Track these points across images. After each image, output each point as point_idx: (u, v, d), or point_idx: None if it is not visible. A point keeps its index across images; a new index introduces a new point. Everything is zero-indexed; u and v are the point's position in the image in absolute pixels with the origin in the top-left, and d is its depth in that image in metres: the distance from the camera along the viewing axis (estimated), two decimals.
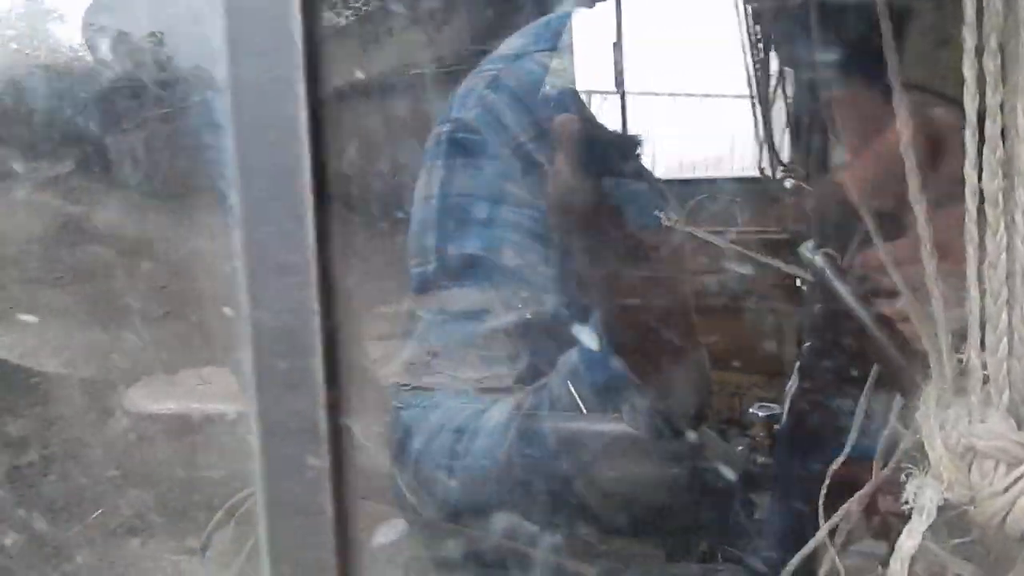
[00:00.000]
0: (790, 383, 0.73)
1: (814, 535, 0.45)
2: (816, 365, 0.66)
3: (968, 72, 0.30)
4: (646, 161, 0.71)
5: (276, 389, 0.29)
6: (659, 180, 0.71)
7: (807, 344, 0.70)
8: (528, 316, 0.61)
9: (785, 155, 0.94)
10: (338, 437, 0.29)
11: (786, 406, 0.73)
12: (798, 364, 0.72)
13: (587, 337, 0.59)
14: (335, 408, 0.29)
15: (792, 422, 0.73)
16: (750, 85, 0.93)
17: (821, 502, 0.48)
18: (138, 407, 1.06)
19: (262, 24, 0.28)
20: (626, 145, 0.65)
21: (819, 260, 0.59)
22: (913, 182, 0.36)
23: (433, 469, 0.60)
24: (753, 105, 0.93)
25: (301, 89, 0.28)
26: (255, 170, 0.29)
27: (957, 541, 0.37)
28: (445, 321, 0.64)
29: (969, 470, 0.35)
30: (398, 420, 0.61)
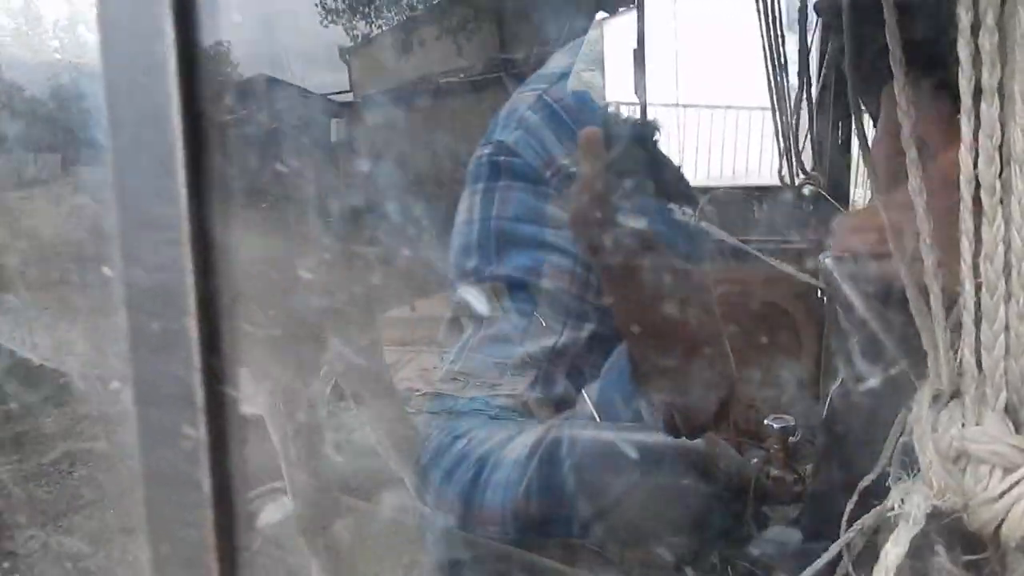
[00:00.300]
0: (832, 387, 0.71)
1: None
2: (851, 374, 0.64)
3: (963, 52, 0.28)
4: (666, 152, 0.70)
5: (149, 352, 0.28)
6: (679, 169, 0.70)
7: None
8: (565, 341, 0.61)
9: (807, 164, 0.92)
10: (217, 406, 0.28)
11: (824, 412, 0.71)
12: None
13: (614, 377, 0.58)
14: (213, 375, 0.28)
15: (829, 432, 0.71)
16: (771, 96, 0.92)
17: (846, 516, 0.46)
18: None
19: None
20: (644, 132, 0.64)
21: (829, 264, 0.57)
22: (913, 174, 0.35)
23: (452, 498, 0.60)
24: (774, 115, 0.92)
25: (170, 30, 0.27)
26: (124, 119, 0.28)
27: (969, 558, 0.36)
28: (483, 342, 0.64)
29: (962, 475, 0.34)
30: (425, 443, 0.61)
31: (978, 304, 0.31)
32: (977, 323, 0.32)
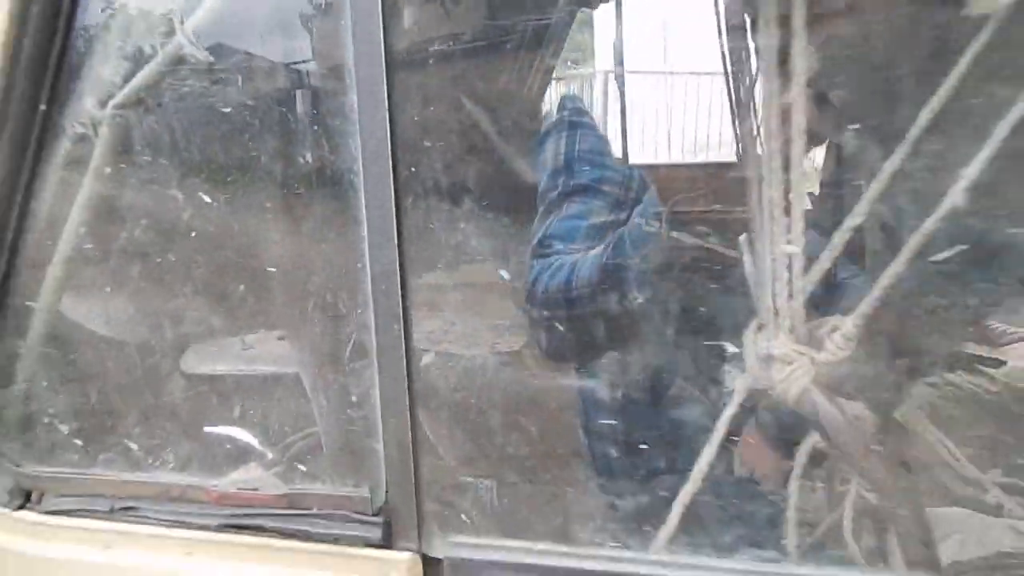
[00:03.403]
0: None
1: None
2: None
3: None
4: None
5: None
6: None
7: None
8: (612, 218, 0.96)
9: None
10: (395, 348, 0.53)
11: None
12: None
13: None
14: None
15: None
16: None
17: None
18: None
19: None
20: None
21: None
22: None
23: (557, 283, 0.90)
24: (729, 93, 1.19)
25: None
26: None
27: None
28: (565, 219, 1.00)
29: (769, 369, 0.63)
30: (530, 272, 0.94)
31: (773, 264, 0.60)
32: (775, 278, 0.61)
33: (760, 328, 0.64)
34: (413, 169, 0.56)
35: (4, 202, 0.54)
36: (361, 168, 0.49)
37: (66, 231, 0.58)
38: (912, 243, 0.57)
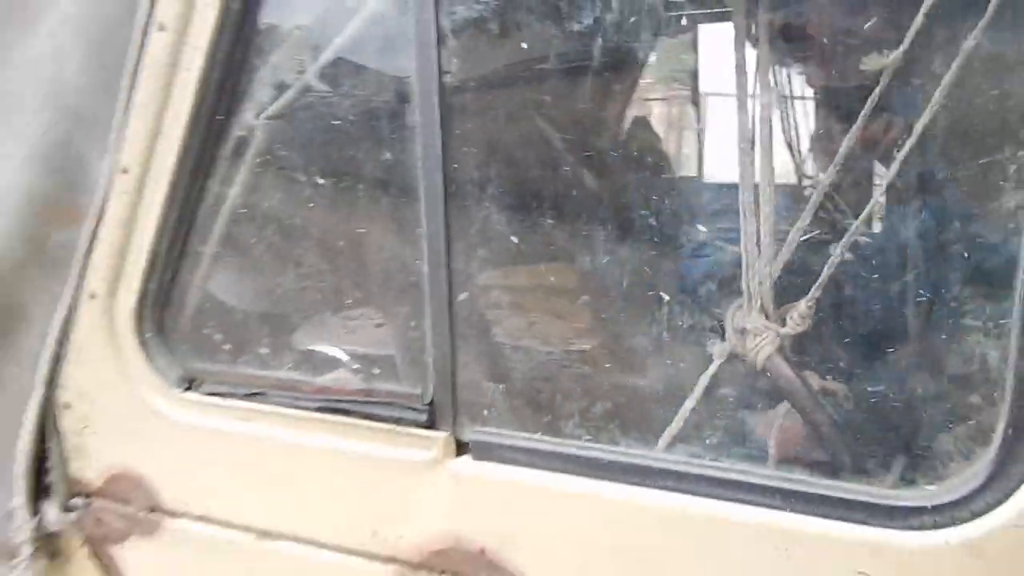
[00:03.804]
0: None
1: None
2: None
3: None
4: None
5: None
6: None
7: None
8: None
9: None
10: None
11: None
12: None
13: None
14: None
15: None
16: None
17: None
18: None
19: None
20: None
21: None
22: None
23: None
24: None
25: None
26: None
27: None
28: None
29: (744, 340, 0.80)
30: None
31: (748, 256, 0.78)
32: (750, 268, 0.78)
33: (739, 307, 0.82)
34: (478, 177, 0.77)
35: (196, 189, 0.79)
36: (421, 175, 0.70)
37: (222, 212, 0.83)
38: (844, 240, 0.73)
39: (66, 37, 0.78)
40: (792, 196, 0.92)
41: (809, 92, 1.14)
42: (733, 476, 0.68)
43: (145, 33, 0.73)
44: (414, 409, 0.72)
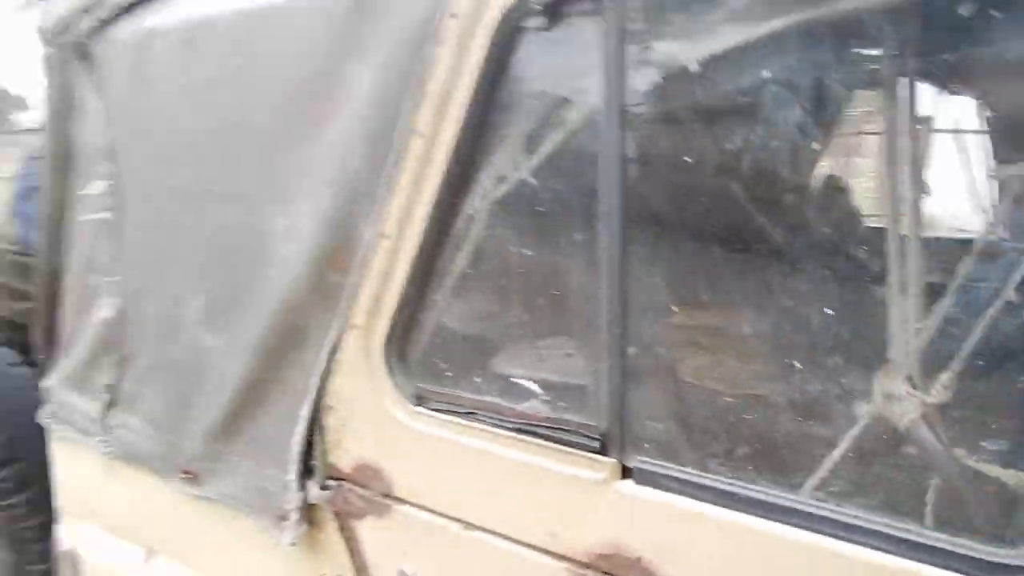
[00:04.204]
0: None
1: None
2: None
3: None
4: None
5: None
6: None
7: None
8: None
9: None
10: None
11: None
12: None
13: None
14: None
15: None
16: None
17: None
18: None
19: None
20: None
21: None
22: None
23: None
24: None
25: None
26: None
27: None
28: None
29: (891, 405, 0.89)
30: None
31: None
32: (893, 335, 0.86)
33: (887, 372, 0.90)
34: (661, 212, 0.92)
35: (434, 253, 1.03)
36: (601, 211, 0.86)
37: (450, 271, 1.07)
38: (991, 310, 0.79)
39: (354, 134, 1.06)
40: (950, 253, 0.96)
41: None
42: (867, 524, 0.77)
43: (406, 137, 0.99)
44: (589, 437, 0.89)
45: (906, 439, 0.89)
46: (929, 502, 0.86)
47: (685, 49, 0.80)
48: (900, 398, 0.88)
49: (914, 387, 0.88)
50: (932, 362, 0.88)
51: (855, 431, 0.90)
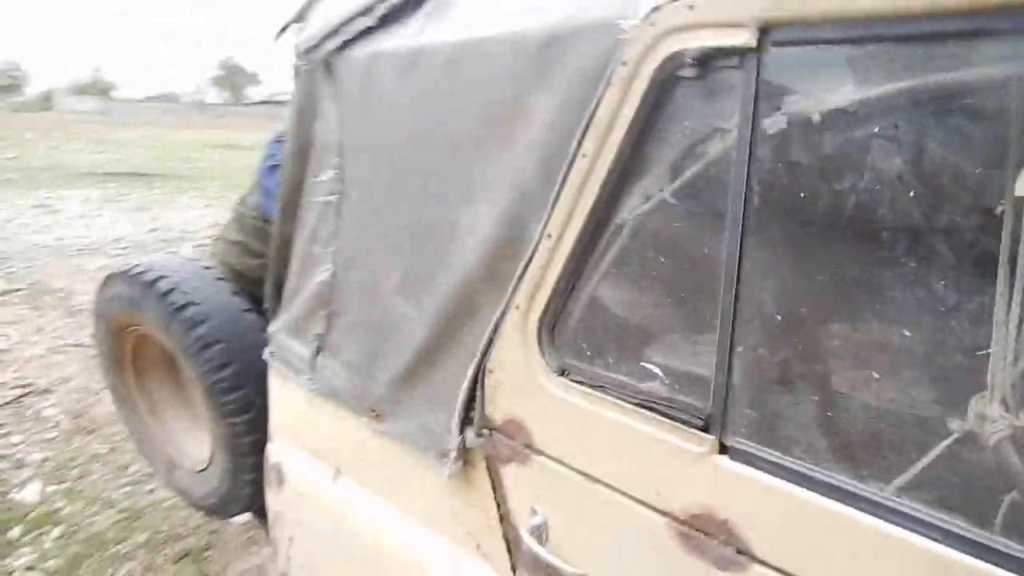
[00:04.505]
0: None
1: None
2: None
3: None
4: None
5: None
6: None
7: None
8: None
9: None
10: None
11: None
12: None
13: None
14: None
15: None
16: None
17: None
18: None
19: None
20: None
21: None
22: None
23: None
24: None
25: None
26: None
27: None
28: None
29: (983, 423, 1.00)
30: None
31: None
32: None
33: (983, 392, 1.00)
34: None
35: (587, 250, 1.25)
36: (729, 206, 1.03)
37: (600, 266, 1.28)
38: None
39: (532, 154, 1.31)
40: None
41: None
42: (939, 522, 0.90)
43: (573, 159, 1.22)
44: (696, 416, 1.08)
45: (994, 455, 0.99)
46: (1003, 512, 0.96)
47: (807, 104, 0.96)
48: (993, 419, 0.99)
49: (1007, 409, 0.98)
50: None
51: (944, 444, 1.01)
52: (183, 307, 2.46)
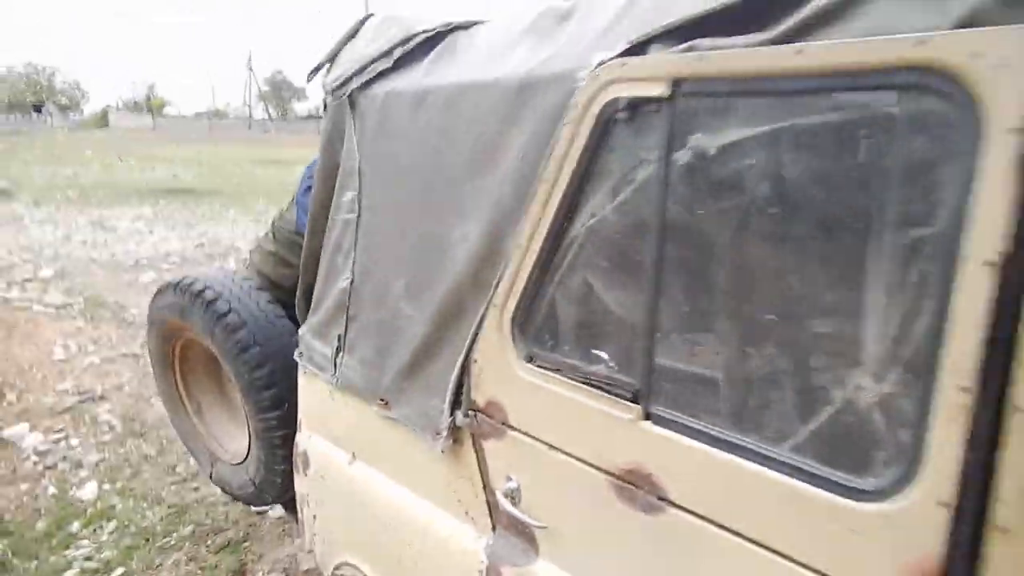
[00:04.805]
0: None
1: None
2: None
3: None
4: None
5: None
6: None
7: None
8: None
9: None
10: None
11: None
12: None
13: None
14: None
15: None
16: None
17: None
18: None
19: None
20: None
21: None
22: None
23: None
24: None
25: None
26: None
27: None
28: None
29: None
30: None
31: None
32: None
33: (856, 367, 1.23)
34: None
35: (551, 254, 1.52)
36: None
37: (561, 268, 1.55)
38: None
39: (508, 179, 1.58)
40: None
41: None
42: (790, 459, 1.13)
43: (538, 183, 1.49)
44: (628, 390, 1.33)
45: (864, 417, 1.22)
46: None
47: (705, 140, 1.22)
48: (864, 388, 1.21)
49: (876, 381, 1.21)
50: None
51: (825, 407, 1.24)
52: (225, 314, 2.79)
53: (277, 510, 3.82)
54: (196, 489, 4.26)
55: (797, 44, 1.08)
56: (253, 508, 3.85)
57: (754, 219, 1.20)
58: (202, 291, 2.87)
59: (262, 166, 27.34)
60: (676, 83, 1.24)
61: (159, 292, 3.18)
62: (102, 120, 67.64)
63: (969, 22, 0.91)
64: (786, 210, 1.17)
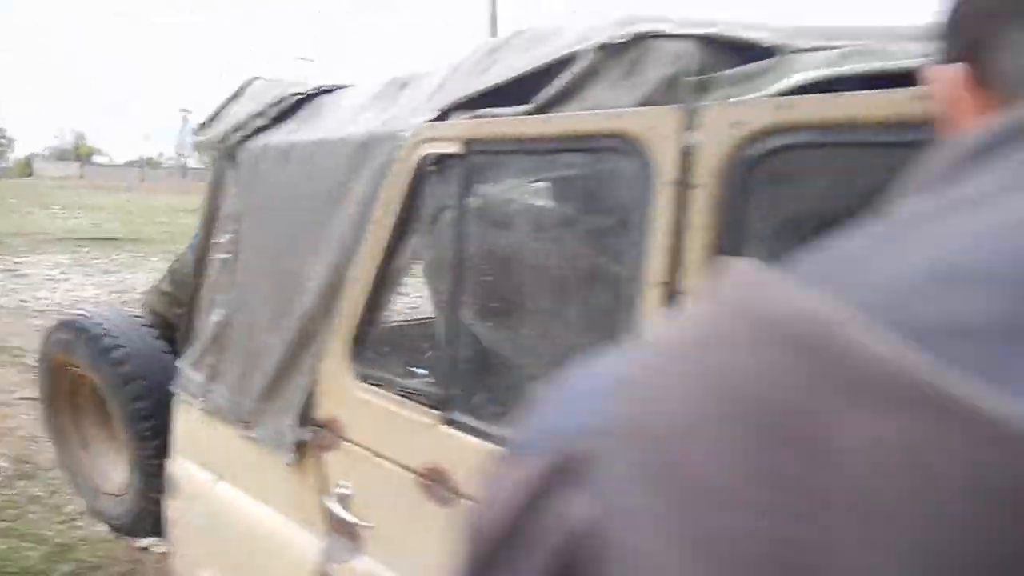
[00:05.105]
0: None
1: None
2: None
3: None
4: None
5: None
6: None
7: None
8: None
9: None
10: None
11: None
12: None
13: None
14: None
15: None
16: None
17: None
18: None
19: None
20: None
21: None
22: None
23: None
24: None
25: None
26: None
27: None
28: None
29: None
30: None
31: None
32: None
33: None
34: None
35: (379, 285, 1.76)
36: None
37: (385, 298, 1.78)
38: None
39: (349, 222, 1.83)
40: None
41: None
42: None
43: (369, 224, 1.74)
44: (432, 399, 1.57)
45: None
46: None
47: (489, 188, 1.50)
48: None
49: None
50: None
51: None
52: (110, 349, 2.91)
53: (161, 547, 3.85)
54: (81, 528, 4.24)
55: (545, 115, 1.37)
56: (136, 543, 3.87)
57: (520, 249, 1.48)
58: (89, 327, 2.99)
59: (193, 215, 26.86)
60: (468, 143, 1.52)
61: (50, 330, 3.27)
62: (26, 168, 65.55)
63: (646, 102, 1.21)
64: (542, 241, 1.46)
